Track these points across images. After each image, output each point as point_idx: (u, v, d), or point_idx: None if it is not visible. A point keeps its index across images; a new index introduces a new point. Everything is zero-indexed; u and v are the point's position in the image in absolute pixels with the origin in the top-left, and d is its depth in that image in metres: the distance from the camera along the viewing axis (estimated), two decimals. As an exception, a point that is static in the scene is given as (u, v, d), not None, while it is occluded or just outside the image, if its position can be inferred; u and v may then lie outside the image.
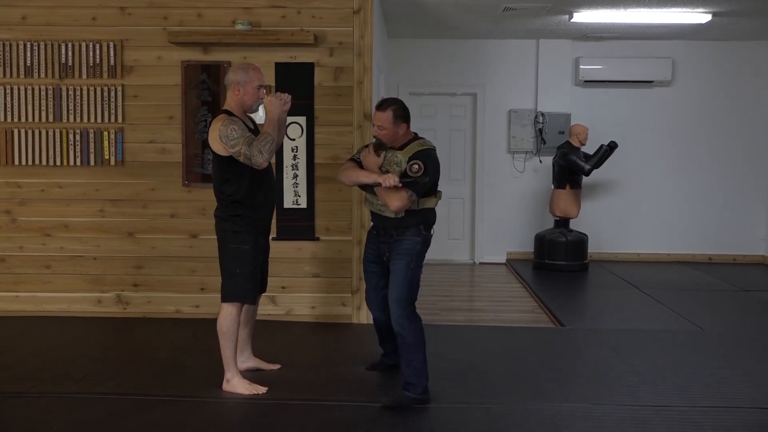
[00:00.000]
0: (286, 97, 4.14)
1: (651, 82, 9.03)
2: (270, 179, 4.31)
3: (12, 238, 5.89)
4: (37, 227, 5.88)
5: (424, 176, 4.00)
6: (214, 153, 4.11)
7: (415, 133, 4.21)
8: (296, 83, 5.64)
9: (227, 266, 4.15)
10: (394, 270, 4.11)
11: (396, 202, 3.98)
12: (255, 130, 4.26)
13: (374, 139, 4.16)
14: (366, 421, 3.78)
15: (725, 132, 9.19)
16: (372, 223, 4.34)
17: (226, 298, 4.14)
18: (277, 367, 4.59)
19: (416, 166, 4.00)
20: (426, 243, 4.17)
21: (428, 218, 4.18)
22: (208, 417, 3.80)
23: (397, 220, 4.10)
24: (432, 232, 4.23)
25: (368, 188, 4.17)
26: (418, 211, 4.10)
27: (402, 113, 4.10)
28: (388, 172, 4.03)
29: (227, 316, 4.12)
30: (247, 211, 4.12)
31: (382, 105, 4.10)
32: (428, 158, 4.06)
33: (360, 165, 4.18)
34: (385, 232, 4.18)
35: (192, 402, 3.99)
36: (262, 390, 4.13)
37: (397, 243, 4.13)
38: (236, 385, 4.14)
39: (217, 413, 3.87)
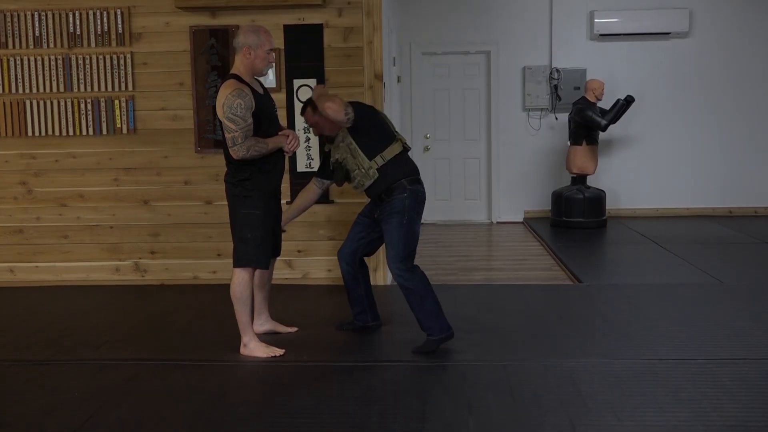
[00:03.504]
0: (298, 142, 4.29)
1: (668, 33, 8.86)
2: None
3: (29, 209, 5.93)
4: (53, 198, 5.91)
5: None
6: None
7: None
8: (305, 45, 5.59)
9: (238, 231, 4.15)
10: (386, 230, 4.21)
11: (330, 107, 4.07)
12: (265, 94, 4.22)
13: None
14: (384, 381, 3.79)
15: (744, 83, 9.02)
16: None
17: (237, 263, 4.14)
18: (294, 329, 4.61)
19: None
20: (414, 196, 4.20)
21: (406, 169, 4.24)
22: (226, 380, 3.83)
23: (377, 182, 4.18)
24: (421, 185, 4.26)
25: (342, 178, 4.30)
26: (387, 163, 4.18)
27: None
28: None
29: (239, 281, 4.13)
30: (258, 175, 4.10)
31: (303, 109, 4.37)
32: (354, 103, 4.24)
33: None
34: (377, 198, 4.26)
35: (210, 366, 4.02)
36: (279, 352, 4.15)
37: (387, 204, 4.21)
38: (253, 348, 4.16)
39: (236, 376, 3.90)
